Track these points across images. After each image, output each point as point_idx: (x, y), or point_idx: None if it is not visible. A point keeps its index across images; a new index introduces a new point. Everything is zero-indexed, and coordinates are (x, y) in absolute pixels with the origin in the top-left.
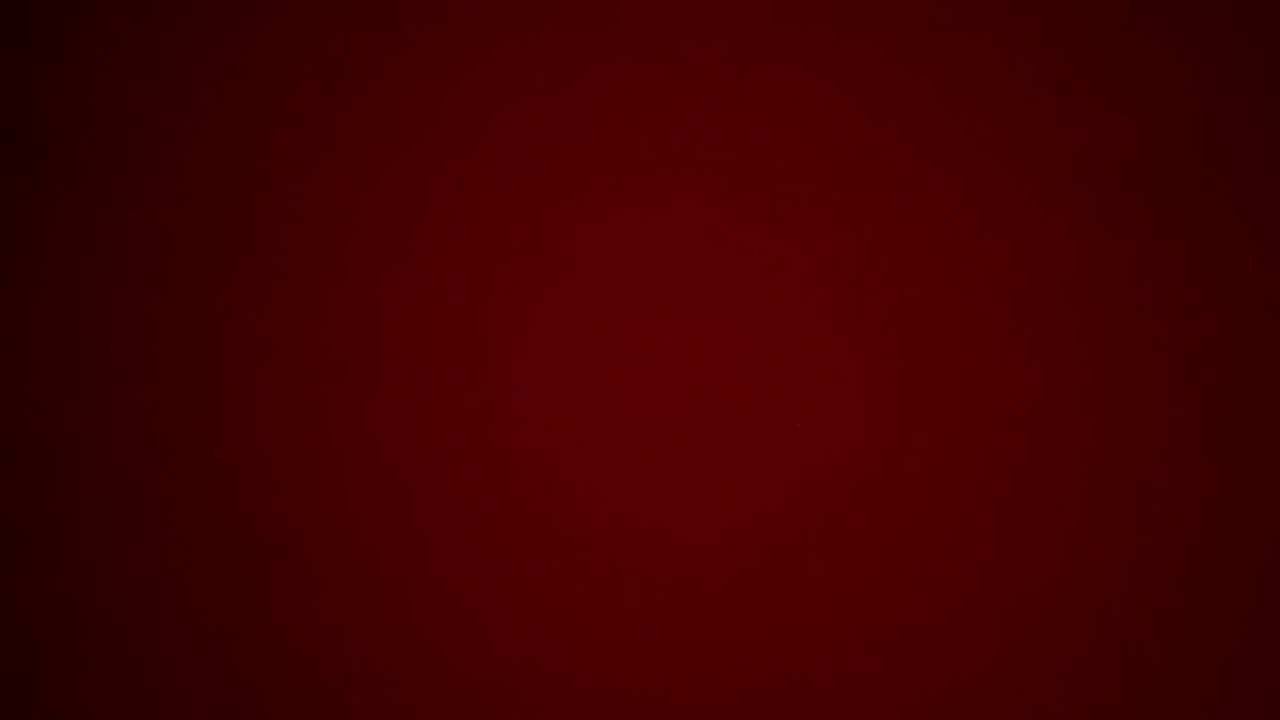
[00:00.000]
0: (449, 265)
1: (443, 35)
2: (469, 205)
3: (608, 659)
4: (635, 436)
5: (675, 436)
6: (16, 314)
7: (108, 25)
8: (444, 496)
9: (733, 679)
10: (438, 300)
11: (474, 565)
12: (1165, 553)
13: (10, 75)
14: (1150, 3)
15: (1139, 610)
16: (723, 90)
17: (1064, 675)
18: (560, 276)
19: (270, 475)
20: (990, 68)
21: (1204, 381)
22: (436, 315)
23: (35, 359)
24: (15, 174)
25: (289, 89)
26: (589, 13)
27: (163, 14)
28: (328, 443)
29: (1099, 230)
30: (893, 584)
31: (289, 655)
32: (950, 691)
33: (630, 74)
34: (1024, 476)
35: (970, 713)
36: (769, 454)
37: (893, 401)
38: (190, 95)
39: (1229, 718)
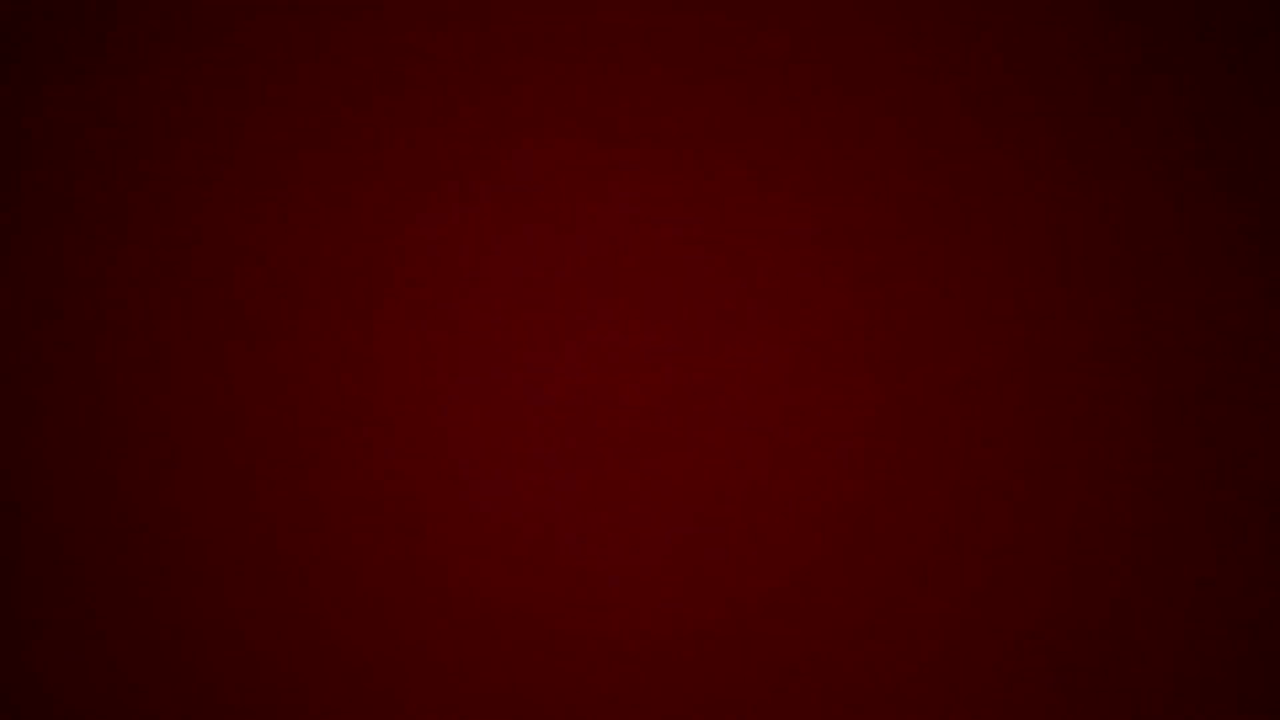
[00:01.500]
0: (442, 264)
1: (434, 30)
2: (461, 203)
3: (602, 660)
4: (629, 435)
5: (667, 437)
6: (15, 313)
7: (103, 25)
8: (436, 496)
9: (726, 679)
10: (430, 298)
11: (467, 565)
12: (1165, 552)
13: (8, 75)
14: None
15: (1136, 610)
16: (716, 86)
17: (1061, 677)
18: (552, 276)
19: (263, 474)
20: (986, 63)
21: (1202, 381)
22: (430, 314)
23: (32, 358)
24: (14, 174)
25: (280, 87)
26: (581, 10)
27: (160, 13)
28: (320, 442)
29: (1097, 228)
30: (890, 583)
31: (285, 654)
32: (946, 691)
33: (625, 68)
34: (1019, 477)
35: (966, 712)
36: (764, 453)
37: (886, 401)
38: (185, 94)
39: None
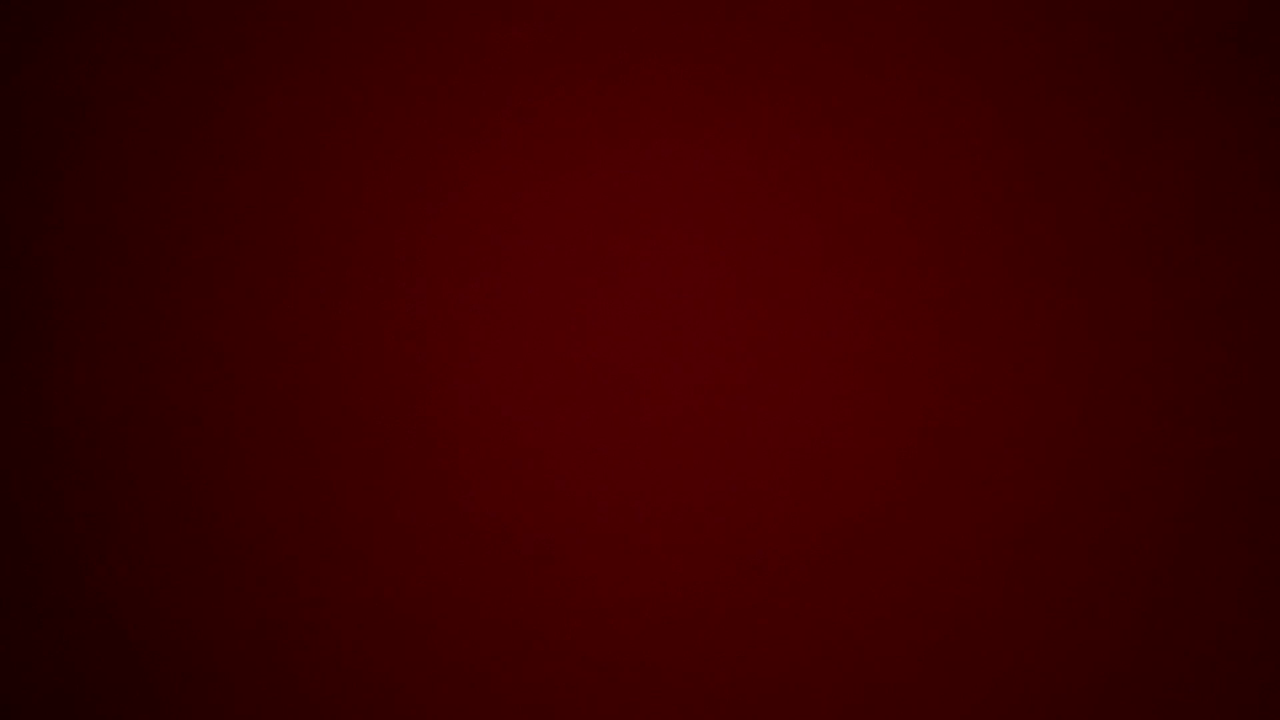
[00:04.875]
0: (440, 262)
1: (434, 31)
2: (457, 200)
3: (600, 658)
4: (627, 434)
5: (663, 435)
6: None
7: (103, 25)
8: (435, 495)
9: (722, 679)
10: (429, 295)
11: (465, 563)
12: (1159, 551)
13: (10, 75)
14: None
15: (1133, 609)
16: (716, 94)
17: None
18: (548, 274)
19: (258, 471)
20: (993, 68)
21: (1199, 383)
22: (428, 310)
23: (31, 357)
24: (15, 174)
25: (277, 86)
26: (587, 19)
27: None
28: (317, 440)
29: (1098, 232)
30: (891, 583)
31: (280, 654)
32: (943, 691)
33: (625, 69)
34: (1016, 480)
35: (964, 712)
36: (761, 454)
37: (887, 404)
38: (187, 93)
39: (1224, 715)
